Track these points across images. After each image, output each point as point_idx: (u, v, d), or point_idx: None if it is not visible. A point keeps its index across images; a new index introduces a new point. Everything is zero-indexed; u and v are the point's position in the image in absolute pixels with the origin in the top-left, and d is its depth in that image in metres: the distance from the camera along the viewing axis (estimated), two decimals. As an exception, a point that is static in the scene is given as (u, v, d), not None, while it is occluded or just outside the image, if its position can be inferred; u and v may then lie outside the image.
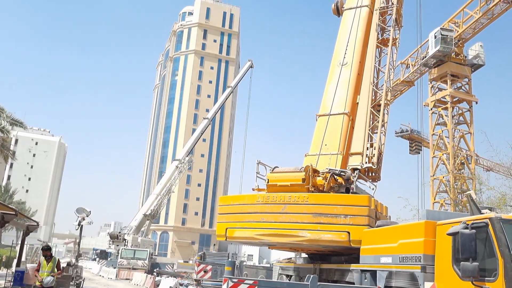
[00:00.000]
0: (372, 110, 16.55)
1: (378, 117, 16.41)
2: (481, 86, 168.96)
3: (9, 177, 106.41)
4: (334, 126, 15.96)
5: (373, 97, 16.94)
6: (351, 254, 12.75)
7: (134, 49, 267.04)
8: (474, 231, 7.50)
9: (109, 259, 46.13)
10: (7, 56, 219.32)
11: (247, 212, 13.81)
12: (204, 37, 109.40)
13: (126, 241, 45.52)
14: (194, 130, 68.65)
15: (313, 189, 13.66)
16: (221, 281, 13.21)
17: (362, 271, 11.20)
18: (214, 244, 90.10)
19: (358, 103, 16.78)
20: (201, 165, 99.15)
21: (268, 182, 14.25)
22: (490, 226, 7.50)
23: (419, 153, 40.14)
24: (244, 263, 33.63)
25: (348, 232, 12.10)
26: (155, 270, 38.54)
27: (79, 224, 25.90)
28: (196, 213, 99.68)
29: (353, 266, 11.80)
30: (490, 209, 8.71)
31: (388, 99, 17.23)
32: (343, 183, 14.17)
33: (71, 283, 19.85)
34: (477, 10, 33.55)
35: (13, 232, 68.91)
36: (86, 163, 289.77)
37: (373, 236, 11.31)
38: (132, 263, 38.67)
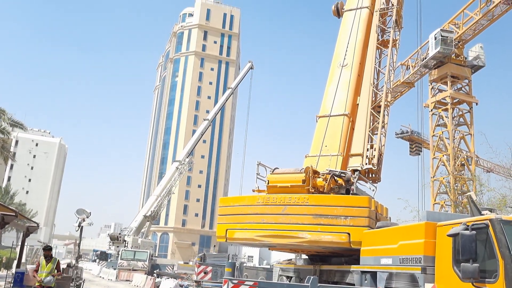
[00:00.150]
0: (372, 111, 16.56)
1: (378, 118, 16.42)
2: (481, 88, 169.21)
3: (9, 178, 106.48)
4: (334, 128, 15.97)
5: (373, 98, 16.96)
6: (351, 255, 12.75)
7: (134, 50, 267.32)
8: (474, 232, 7.50)
9: (109, 260, 46.12)
10: (7, 57, 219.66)
11: (247, 213, 13.80)
12: (205, 38, 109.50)
13: (126, 242, 45.48)
14: (194, 131, 68.67)
15: (313, 190, 13.66)
16: (221, 283, 13.22)
17: (362, 272, 11.19)
18: (214, 246, 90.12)
19: (358, 104, 16.80)
20: (202, 166, 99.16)
21: (268, 183, 14.24)
22: (490, 228, 7.49)
23: (419, 154, 40.14)
24: (244, 264, 33.61)
25: (348, 233, 12.09)
26: (155, 271, 38.51)
27: (79, 225, 25.89)
28: (196, 215, 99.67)
29: (353, 268, 11.80)
30: (491, 210, 8.70)
31: (388, 100, 17.24)
32: (343, 184, 14.18)
33: (71, 284, 19.81)
34: (477, 11, 33.56)
35: (13, 233, 68.95)
36: (86, 164, 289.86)
37: (373, 237, 11.31)
38: (132, 265, 38.67)
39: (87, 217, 25.93)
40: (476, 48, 36.56)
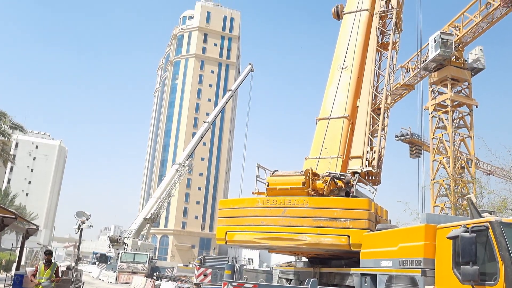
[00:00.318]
0: (372, 113, 16.56)
1: (378, 121, 16.42)
2: (481, 90, 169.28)
3: (9, 180, 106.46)
4: (334, 130, 15.97)
5: (373, 101, 16.97)
6: (351, 257, 12.73)
7: (134, 53, 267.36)
8: (474, 234, 7.49)
9: (109, 262, 46.09)
10: (7, 60, 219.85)
11: (247, 216, 13.78)
12: (205, 41, 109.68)
13: (126, 244, 45.47)
14: (194, 133, 68.75)
15: (313, 192, 13.64)
16: (221, 285, 13.18)
17: (362, 275, 11.16)
18: (214, 248, 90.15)
19: (358, 106, 16.80)
20: (201, 168, 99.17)
21: (268, 186, 14.22)
22: (490, 230, 7.48)
23: (419, 156, 40.17)
24: (244, 266, 33.57)
25: (348, 236, 12.07)
26: (155, 274, 38.47)
27: (79, 228, 25.92)
28: (196, 217, 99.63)
29: (353, 270, 11.77)
30: (491, 212, 8.69)
31: (388, 103, 17.25)
32: (343, 186, 14.16)
33: (70, 286, 19.77)
34: (477, 14, 33.60)
35: (12, 236, 68.85)
36: (86, 167, 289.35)
37: (373, 240, 11.29)
38: (132, 267, 38.60)
39: (87, 220, 25.96)
40: (476, 50, 36.60)
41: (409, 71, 39.11)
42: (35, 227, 18.44)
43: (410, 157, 43.17)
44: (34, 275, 12.03)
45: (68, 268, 21.85)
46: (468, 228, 7.69)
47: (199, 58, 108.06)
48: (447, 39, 34.09)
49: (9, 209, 13.48)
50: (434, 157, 36.09)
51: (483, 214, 8.28)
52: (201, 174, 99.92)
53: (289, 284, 15.61)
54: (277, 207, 13.25)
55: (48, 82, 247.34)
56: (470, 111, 36.07)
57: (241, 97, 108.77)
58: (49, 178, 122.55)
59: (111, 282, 36.55)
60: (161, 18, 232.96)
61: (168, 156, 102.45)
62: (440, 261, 8.49)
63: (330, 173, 14.20)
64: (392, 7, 18.75)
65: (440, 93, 36.74)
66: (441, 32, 34.59)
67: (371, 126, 16.44)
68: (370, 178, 15.87)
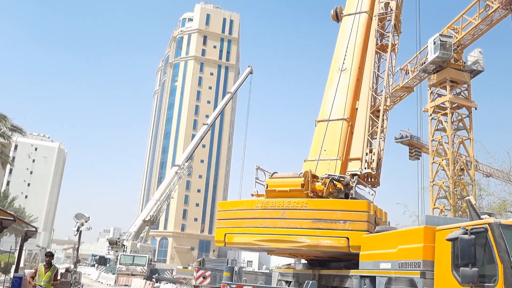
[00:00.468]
0: (371, 115, 16.56)
1: (378, 123, 16.42)
2: (480, 92, 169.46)
3: (8, 182, 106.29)
4: (333, 132, 15.96)
5: (372, 103, 16.96)
6: (350, 260, 12.71)
7: (133, 55, 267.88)
8: (473, 236, 7.47)
9: (108, 265, 46.00)
10: (7, 61, 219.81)
11: (246, 218, 13.76)
12: (204, 43, 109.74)
13: (125, 247, 45.34)
14: (193, 135, 68.65)
15: (312, 194, 13.62)
16: (220, 287, 13.18)
17: (362, 277, 11.14)
18: (214, 250, 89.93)
19: (357, 108, 16.79)
20: (201, 171, 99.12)
21: (267, 188, 14.21)
22: (489, 232, 7.47)
23: (419, 159, 40.16)
24: (244, 269, 33.56)
25: (347, 238, 12.05)
26: (154, 276, 38.41)
27: (78, 230, 25.89)
28: (196, 219, 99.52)
29: (352, 272, 11.75)
30: (490, 214, 8.69)
31: (387, 105, 17.24)
32: (342, 188, 14.14)
33: (69, 289, 19.76)
34: (476, 16, 33.65)
35: (11, 238, 68.69)
36: (85, 169, 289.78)
37: (372, 242, 11.27)
38: (131, 269, 38.54)
39: (86, 222, 25.94)
40: (475, 53, 36.65)
41: (408, 73, 39.16)
42: (34, 229, 18.42)
43: (409, 159, 43.20)
44: (33, 277, 11.96)
45: (67, 270, 21.85)
46: (467, 230, 7.67)
47: (199, 60, 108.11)
48: (446, 41, 34.14)
49: (8, 211, 13.45)
50: (433, 159, 36.11)
51: (482, 216, 8.27)
52: (200, 176, 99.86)
53: (288, 286, 15.58)
54: (276, 209, 13.24)
55: (47, 83, 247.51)
56: (469, 113, 36.10)
57: (241, 99, 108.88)
58: (48, 180, 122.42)
59: (110, 285, 36.48)
60: (161, 20, 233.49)
61: (167, 158, 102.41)
62: (439, 263, 8.47)
63: (329, 175, 14.19)
64: (391, 9, 18.76)
65: (440, 95, 36.77)
66: (440, 34, 34.65)
67: (370, 128, 16.43)
68: (369, 180, 15.86)
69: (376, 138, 16.24)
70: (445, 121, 35.61)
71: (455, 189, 33.68)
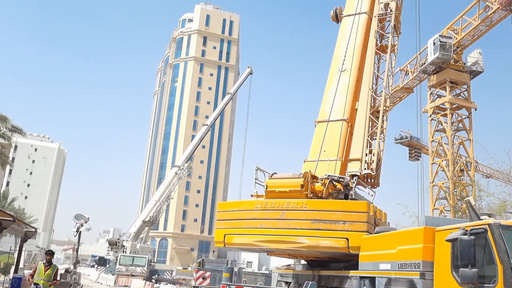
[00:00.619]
0: (371, 116, 16.55)
1: (377, 124, 16.40)
2: (480, 93, 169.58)
3: (8, 183, 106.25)
4: (333, 132, 15.96)
5: (372, 104, 16.95)
6: (350, 260, 12.70)
7: (133, 56, 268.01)
8: (473, 237, 7.46)
9: (107, 265, 45.92)
10: (6, 62, 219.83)
11: (245, 218, 13.75)
12: (204, 43, 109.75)
13: (125, 247, 45.32)
14: (193, 136, 68.62)
15: (311, 195, 13.62)
16: (220, 288, 13.17)
17: (361, 277, 11.14)
18: (213, 251, 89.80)
19: (357, 109, 16.79)
20: (201, 171, 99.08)
21: (266, 188, 14.20)
22: (489, 232, 7.47)
23: (419, 159, 40.14)
24: (243, 269, 33.54)
25: (347, 239, 12.05)
26: (153, 277, 38.40)
27: (77, 230, 25.89)
28: (195, 220, 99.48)
29: (352, 273, 11.74)
30: (489, 215, 8.68)
31: (387, 106, 17.23)
32: (342, 189, 14.14)
33: (69, 289, 19.75)
34: (476, 17, 33.67)
35: (11, 239, 68.71)
36: (85, 170, 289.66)
37: (372, 243, 11.27)
38: (131, 270, 38.50)
39: (86, 222, 25.94)
40: (474, 53, 36.67)
41: (408, 74, 39.17)
42: (33, 230, 18.44)
43: (409, 160, 43.18)
44: (32, 275, 11.92)
45: (67, 271, 21.87)
46: (467, 230, 7.67)
47: (199, 61, 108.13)
48: (446, 42, 34.16)
49: (8, 212, 13.46)
50: (433, 160, 36.11)
51: (482, 217, 8.27)
52: (200, 177, 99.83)
53: (288, 287, 15.57)
54: (276, 209, 13.23)
55: (47, 84, 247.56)
56: (469, 114, 36.10)
57: (240, 99, 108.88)
58: (48, 181, 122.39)
59: (109, 285, 36.43)
60: (161, 21, 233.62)
61: (167, 159, 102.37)
62: (439, 263, 8.47)
63: (329, 175, 14.19)
64: (391, 10, 18.76)
65: (439, 96, 36.78)
66: (440, 35, 34.67)
67: (370, 128, 16.43)
68: (369, 180, 15.84)
69: (376, 139, 16.22)
70: (445, 122, 35.61)
71: (455, 190, 33.68)
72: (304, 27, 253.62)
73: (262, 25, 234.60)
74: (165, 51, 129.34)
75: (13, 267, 25.32)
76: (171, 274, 45.56)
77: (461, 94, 36.84)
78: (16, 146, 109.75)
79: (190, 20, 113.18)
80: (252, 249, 15.46)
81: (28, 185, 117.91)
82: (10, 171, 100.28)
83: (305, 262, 16.20)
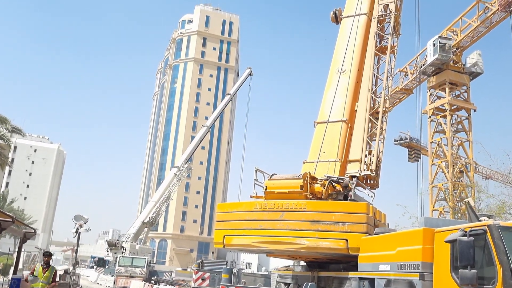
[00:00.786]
0: (370, 117, 16.57)
1: (377, 125, 16.42)
2: (479, 94, 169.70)
3: (7, 184, 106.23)
4: (333, 134, 15.97)
5: (372, 105, 16.97)
6: (349, 261, 12.70)
7: (133, 57, 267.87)
8: (472, 238, 7.47)
9: (107, 266, 45.88)
10: (6, 62, 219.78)
11: (245, 220, 13.75)
12: (204, 45, 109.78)
13: (124, 248, 45.25)
14: (193, 137, 68.55)
15: (311, 196, 13.63)
16: (219, 289, 13.16)
17: (361, 279, 11.14)
18: (213, 252, 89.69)
19: (356, 110, 16.81)
20: (200, 172, 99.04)
21: (266, 189, 14.21)
22: (488, 233, 7.47)
23: (418, 161, 40.14)
24: (243, 271, 33.52)
25: (346, 240, 12.05)
26: (153, 278, 38.32)
27: (76, 231, 25.89)
28: (195, 221, 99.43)
29: (351, 274, 11.74)
30: (489, 216, 8.69)
31: (386, 107, 17.25)
32: (341, 190, 14.15)
33: (68, 290, 19.72)
34: (475, 18, 33.71)
35: (10, 240, 68.66)
36: (84, 171, 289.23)
37: (371, 244, 11.27)
38: (130, 271, 38.42)
39: (85, 223, 25.93)
40: (474, 55, 36.71)
41: (407, 75, 39.20)
42: (32, 230, 18.40)
43: (408, 161, 43.17)
44: (31, 273, 11.88)
45: (66, 272, 21.86)
46: (466, 231, 7.67)
47: (198, 62, 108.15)
48: (445, 44, 34.20)
49: (7, 213, 13.44)
50: (432, 161, 36.12)
51: (481, 218, 8.27)
52: (199, 178, 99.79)
53: (287, 288, 15.57)
54: (275, 210, 13.23)
55: (46, 85, 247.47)
56: (468, 115, 36.12)
57: (240, 100, 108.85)
58: (47, 181, 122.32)
59: (109, 286, 36.41)
60: (160, 22, 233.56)
61: (166, 160, 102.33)
62: (438, 265, 8.47)
63: (328, 176, 14.19)
64: (390, 11, 18.78)
65: (439, 97, 36.80)
66: (439, 37, 34.70)
67: (370, 130, 16.45)
68: (368, 181, 15.85)
69: (375, 140, 16.24)
70: (444, 123, 35.64)
71: (454, 191, 33.69)
72: (304, 28, 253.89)
73: (262, 26, 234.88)
74: (165, 52, 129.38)
75: (12, 268, 25.28)
76: (171, 275, 45.49)
77: (461, 95, 36.87)
78: (15, 147, 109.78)
79: (190, 21, 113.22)
80: (252, 250, 15.46)
81: (28, 186, 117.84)
82: (10, 172, 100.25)
83: (305, 263, 16.21)
